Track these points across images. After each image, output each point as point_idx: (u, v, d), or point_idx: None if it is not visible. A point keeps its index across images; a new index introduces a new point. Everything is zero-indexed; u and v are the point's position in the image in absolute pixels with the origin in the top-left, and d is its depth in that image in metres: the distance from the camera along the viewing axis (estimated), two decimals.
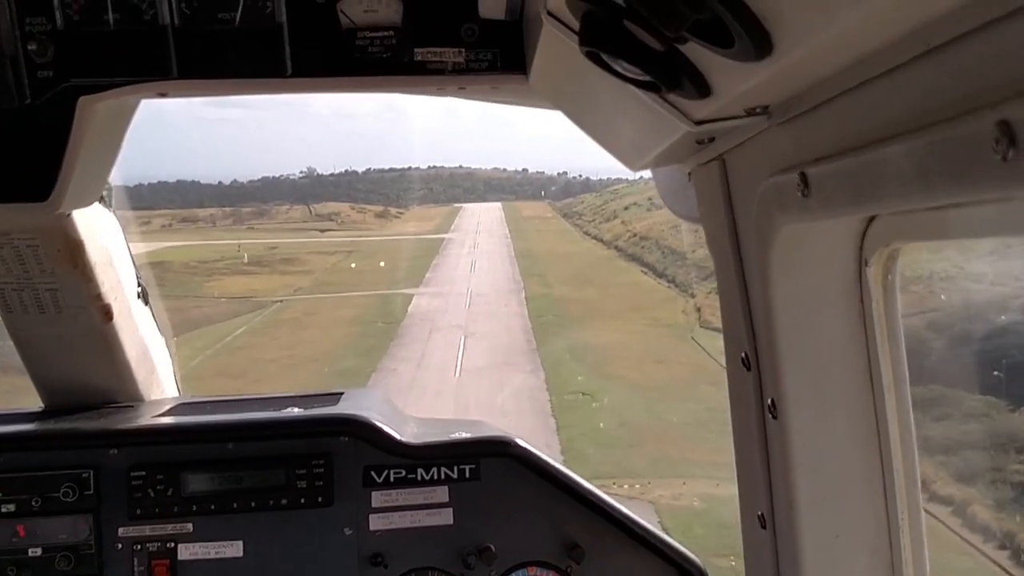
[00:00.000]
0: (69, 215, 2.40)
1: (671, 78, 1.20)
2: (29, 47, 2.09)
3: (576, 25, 1.25)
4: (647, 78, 1.23)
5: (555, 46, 1.59)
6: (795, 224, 1.47)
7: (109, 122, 2.25)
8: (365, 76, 2.17)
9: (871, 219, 1.48)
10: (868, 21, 0.89)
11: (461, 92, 2.37)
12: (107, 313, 2.69)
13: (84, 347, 2.76)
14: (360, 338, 48.73)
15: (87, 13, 2.10)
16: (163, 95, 2.20)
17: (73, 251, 2.51)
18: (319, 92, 2.23)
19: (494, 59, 2.18)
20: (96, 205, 2.53)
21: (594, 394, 34.02)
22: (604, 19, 1.15)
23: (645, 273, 69.89)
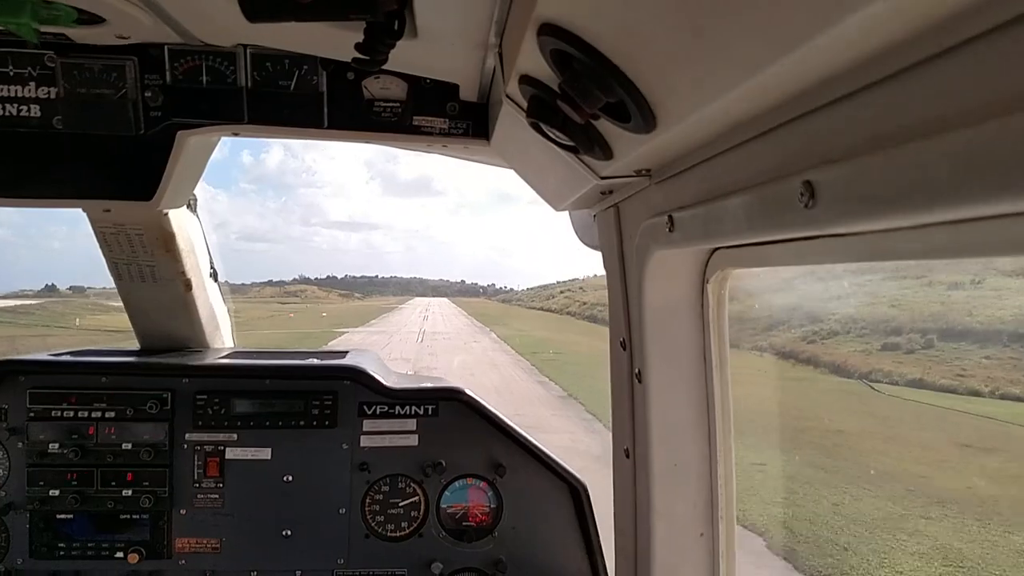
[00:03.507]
0: (166, 213, 2.33)
1: (587, 144, 1.19)
2: (146, 94, 2.04)
3: (525, 106, 1.23)
4: (570, 143, 1.22)
5: (509, 119, 1.57)
6: (662, 251, 1.46)
7: (197, 150, 2.18)
8: (377, 132, 2.13)
9: (713, 250, 1.48)
10: (715, 116, 0.89)
11: (443, 150, 2.33)
12: (188, 285, 2.60)
13: (171, 307, 2.67)
14: None
15: (188, 75, 2.05)
16: (236, 135, 2.13)
17: (167, 239, 2.43)
18: (345, 141, 2.18)
19: (467, 128, 2.16)
20: (184, 209, 2.45)
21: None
22: (544, 100, 1.14)
23: None
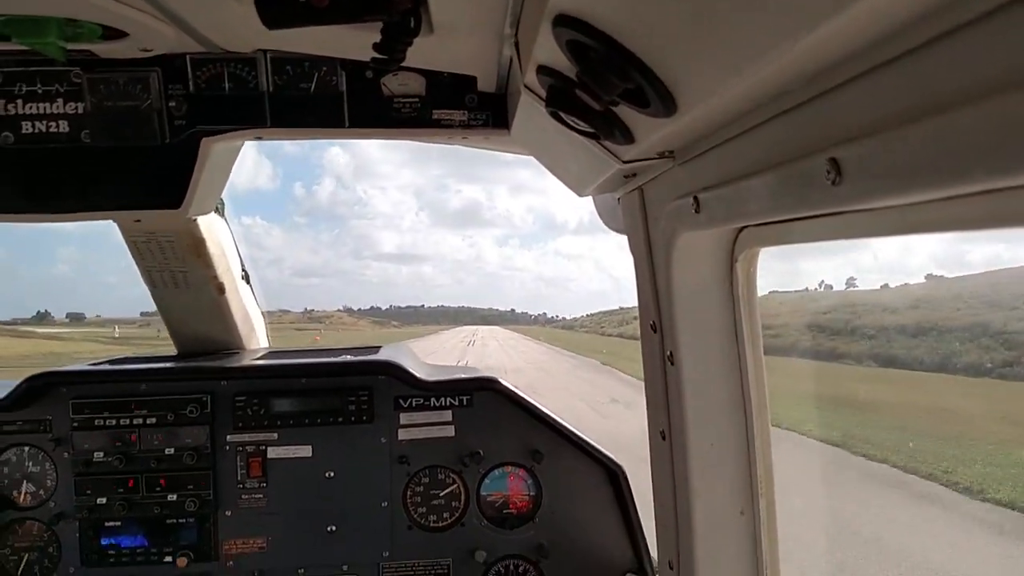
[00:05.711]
0: (194, 220, 2.37)
1: (607, 130, 1.19)
2: (170, 104, 2.08)
3: (544, 94, 1.23)
4: (591, 130, 1.22)
5: (529, 108, 1.57)
6: (689, 233, 1.45)
7: (222, 156, 2.22)
8: (398, 128, 2.15)
9: (740, 229, 1.47)
10: (737, 97, 0.88)
11: (464, 141, 2.33)
12: (221, 288, 2.65)
13: (205, 311, 2.73)
14: None
15: (210, 82, 2.08)
16: (259, 138, 2.17)
17: (197, 245, 2.48)
18: (367, 139, 2.20)
19: (487, 119, 2.16)
20: (212, 214, 2.50)
21: None
22: (563, 89, 1.14)
23: None
